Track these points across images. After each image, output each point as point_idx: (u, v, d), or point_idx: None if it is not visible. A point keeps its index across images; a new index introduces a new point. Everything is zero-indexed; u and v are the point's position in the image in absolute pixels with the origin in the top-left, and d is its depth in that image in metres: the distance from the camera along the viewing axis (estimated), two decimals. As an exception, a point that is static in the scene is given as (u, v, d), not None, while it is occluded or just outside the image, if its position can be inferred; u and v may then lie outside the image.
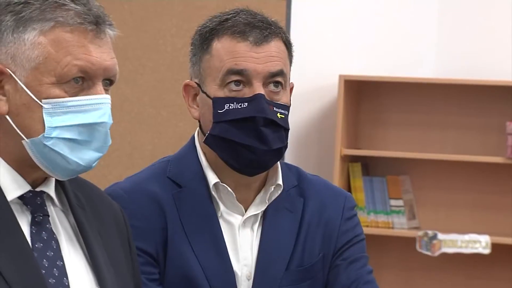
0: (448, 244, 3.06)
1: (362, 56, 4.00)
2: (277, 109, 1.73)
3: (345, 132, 3.82)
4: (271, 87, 1.71)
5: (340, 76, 3.68)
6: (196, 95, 1.77)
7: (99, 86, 1.30)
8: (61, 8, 1.26)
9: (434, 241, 3.47)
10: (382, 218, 3.79)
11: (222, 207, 1.71)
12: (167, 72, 3.98)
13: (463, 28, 4.10)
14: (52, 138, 1.28)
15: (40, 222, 1.33)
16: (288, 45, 1.76)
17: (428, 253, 3.43)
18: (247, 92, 1.71)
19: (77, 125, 1.29)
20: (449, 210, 3.81)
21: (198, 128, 1.80)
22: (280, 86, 1.73)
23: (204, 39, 1.72)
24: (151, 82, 3.96)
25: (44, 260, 1.30)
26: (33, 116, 1.27)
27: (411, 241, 3.70)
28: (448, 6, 4.16)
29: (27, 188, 1.30)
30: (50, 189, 1.34)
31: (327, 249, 1.78)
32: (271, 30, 1.72)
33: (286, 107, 1.74)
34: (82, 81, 1.29)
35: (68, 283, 1.32)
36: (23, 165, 1.30)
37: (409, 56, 4.07)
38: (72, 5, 1.28)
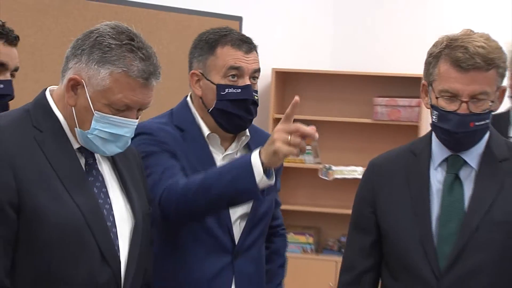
0: (338, 173, 3.40)
1: (286, 54, 4.76)
2: (255, 94, 2.11)
3: (275, 104, 4.66)
4: (252, 80, 2.11)
5: (272, 69, 4.62)
6: (199, 80, 2.12)
7: (134, 114, 1.60)
8: (131, 64, 1.54)
9: (330, 171, 3.72)
10: (299, 157, 3.78)
11: (211, 148, 2.08)
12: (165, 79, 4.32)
13: (353, 35, 5.00)
14: (92, 134, 1.59)
15: (91, 163, 1.66)
16: (257, 54, 2.14)
17: (326, 178, 3.79)
18: (239, 83, 2.08)
19: (110, 132, 1.59)
20: (339, 152, 4.67)
21: (189, 96, 2.16)
22: (256, 79, 2.13)
23: (210, 45, 2.10)
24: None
25: (94, 188, 1.64)
26: (87, 116, 1.59)
27: (316, 171, 4.02)
28: (340, 13, 5.01)
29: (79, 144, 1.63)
30: None
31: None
32: (253, 45, 2.11)
33: (256, 92, 2.11)
34: (124, 109, 1.60)
35: (110, 202, 1.66)
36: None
37: (313, 54, 4.92)
38: (138, 62, 1.55)
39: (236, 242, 2.10)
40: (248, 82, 2.05)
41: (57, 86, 1.65)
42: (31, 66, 3.50)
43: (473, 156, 1.92)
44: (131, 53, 1.53)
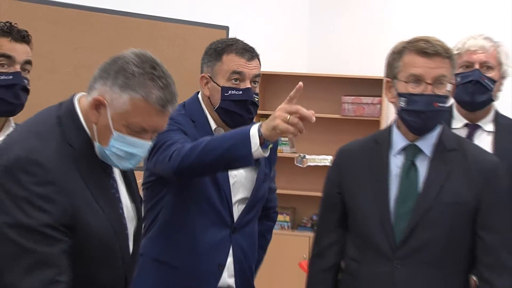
0: (311, 161, 3.36)
1: (267, 59, 4.06)
2: (255, 96, 2.16)
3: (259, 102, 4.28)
4: (253, 84, 2.18)
5: None
6: (207, 82, 2.19)
7: (149, 136, 1.60)
8: (150, 91, 1.54)
9: (304, 159, 3.73)
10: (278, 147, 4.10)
11: None
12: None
13: (325, 43, 5.17)
14: (110, 151, 1.59)
15: (108, 173, 1.69)
16: (260, 63, 2.19)
17: (301, 165, 3.80)
18: (241, 85, 2.15)
19: (125, 151, 1.59)
20: (312, 143, 4.67)
21: (200, 94, 2.21)
22: (257, 83, 2.19)
23: (217, 53, 2.16)
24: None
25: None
26: (106, 134, 1.59)
27: (292, 159, 4.03)
28: (314, 25, 5.16)
29: None
30: None
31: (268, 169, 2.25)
32: (255, 53, 2.16)
33: (257, 95, 2.16)
34: (140, 131, 1.59)
35: (122, 207, 1.68)
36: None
37: (290, 59, 5.07)
38: (156, 90, 1.54)
39: (235, 220, 2.20)
40: (248, 86, 2.15)
41: (84, 94, 1.65)
42: (45, 68, 3.60)
43: (427, 145, 2.01)
44: (152, 81, 1.54)
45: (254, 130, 1.85)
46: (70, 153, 1.56)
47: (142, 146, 1.60)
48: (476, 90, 2.44)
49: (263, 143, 1.84)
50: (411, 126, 1.97)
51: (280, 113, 1.81)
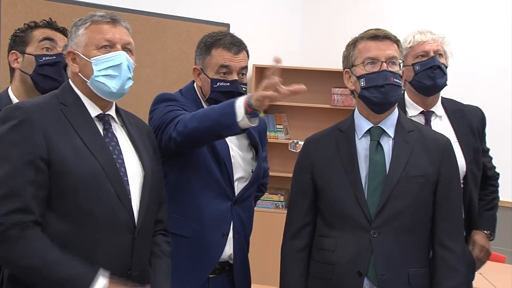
0: None
1: (264, 53, 4.41)
2: (243, 86, 2.20)
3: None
4: (240, 75, 2.22)
5: (253, 65, 4.88)
6: (199, 74, 2.24)
7: (118, 47, 1.77)
8: (94, 16, 1.80)
9: (297, 145, 4.24)
10: (273, 134, 5.06)
11: None
12: (166, 75, 4.29)
13: (316, 40, 5.29)
14: (98, 76, 1.76)
15: (107, 128, 1.82)
16: (248, 54, 2.23)
17: (294, 150, 4.24)
18: (229, 77, 2.19)
19: (109, 67, 1.76)
20: (304, 130, 4.74)
21: (195, 83, 2.26)
22: (244, 75, 2.23)
23: (207, 47, 2.21)
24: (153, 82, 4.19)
25: (110, 147, 1.80)
26: (88, 68, 1.75)
27: (286, 145, 4.83)
28: (307, 24, 5.25)
29: (99, 111, 1.80)
30: (112, 113, 1.82)
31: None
32: (242, 46, 2.20)
33: (245, 85, 2.21)
34: (108, 47, 1.77)
35: (122, 158, 1.80)
36: (93, 97, 1.78)
37: (285, 53, 4.77)
38: (98, 13, 1.80)
39: (236, 194, 2.27)
40: (235, 78, 2.20)
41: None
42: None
43: (389, 127, 2.10)
44: (94, 16, 1.81)
45: (239, 102, 1.89)
46: (63, 109, 1.73)
47: (118, 56, 1.76)
48: (437, 75, 2.49)
49: (252, 112, 1.89)
50: (372, 102, 2.01)
51: (261, 87, 1.89)
